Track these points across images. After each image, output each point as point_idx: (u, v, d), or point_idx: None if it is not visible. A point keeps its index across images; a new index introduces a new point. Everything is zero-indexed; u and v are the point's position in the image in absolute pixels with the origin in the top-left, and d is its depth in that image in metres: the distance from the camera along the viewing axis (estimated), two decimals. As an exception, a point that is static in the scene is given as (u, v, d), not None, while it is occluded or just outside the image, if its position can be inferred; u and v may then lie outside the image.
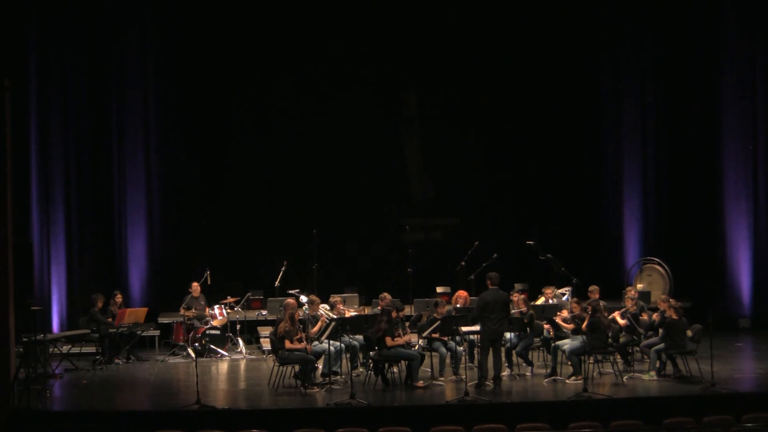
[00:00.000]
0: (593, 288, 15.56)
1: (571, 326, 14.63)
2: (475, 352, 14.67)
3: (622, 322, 15.07)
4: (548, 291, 16.23)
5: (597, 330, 14.19)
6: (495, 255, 17.21)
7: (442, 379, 14.54)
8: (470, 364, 14.61)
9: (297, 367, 14.16)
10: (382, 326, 14.05)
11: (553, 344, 14.77)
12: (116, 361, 16.55)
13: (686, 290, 19.07)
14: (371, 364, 14.48)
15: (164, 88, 19.55)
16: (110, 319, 16.72)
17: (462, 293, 15.83)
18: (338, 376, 14.42)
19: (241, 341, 17.23)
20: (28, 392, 13.01)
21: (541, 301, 16.10)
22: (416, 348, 14.63)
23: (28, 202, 18.19)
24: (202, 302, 17.38)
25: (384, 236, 20.69)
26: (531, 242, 17.63)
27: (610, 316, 14.86)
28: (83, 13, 18.85)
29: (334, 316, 14.94)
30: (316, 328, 14.61)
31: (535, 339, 15.18)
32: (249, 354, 17.01)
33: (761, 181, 19.35)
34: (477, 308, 14.18)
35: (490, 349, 13.99)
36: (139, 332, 16.98)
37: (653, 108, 20.44)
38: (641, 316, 15.26)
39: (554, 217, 20.72)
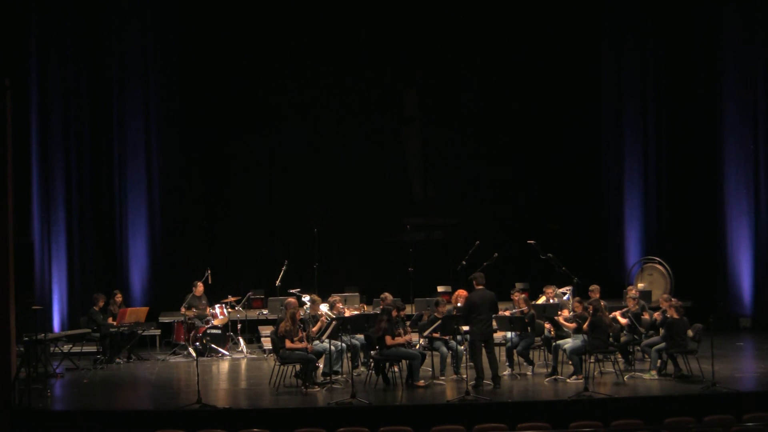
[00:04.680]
0: (594, 287, 15.58)
1: (572, 325, 14.63)
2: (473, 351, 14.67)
3: (623, 321, 15.08)
4: (549, 290, 16.22)
5: (598, 329, 14.19)
6: (496, 254, 17.21)
7: (442, 378, 14.54)
8: (471, 364, 14.58)
9: (298, 367, 14.16)
10: (382, 325, 14.05)
11: (554, 343, 14.77)
12: (117, 360, 16.56)
13: (687, 289, 19.05)
14: (372, 364, 14.48)
15: (165, 87, 19.56)
16: (111, 319, 16.72)
17: (462, 292, 15.79)
18: (339, 376, 14.42)
19: (242, 340, 17.23)
20: (29, 392, 13.02)
21: (542, 300, 16.10)
22: (417, 347, 14.63)
23: (28, 201, 18.21)
24: (203, 301, 17.39)
25: (385, 236, 20.69)
26: (532, 242, 17.62)
27: (611, 315, 14.87)
28: (84, 13, 18.85)
29: (333, 315, 14.96)
30: (315, 328, 14.61)
31: (536, 338, 15.18)
32: (250, 353, 17.01)
33: (762, 181, 19.34)
34: (465, 310, 14.15)
35: (483, 349, 13.99)
36: (140, 331, 16.98)
37: (654, 107, 20.43)
38: (642, 315, 15.26)
39: (555, 217, 20.71)
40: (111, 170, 19.20)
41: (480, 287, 14.10)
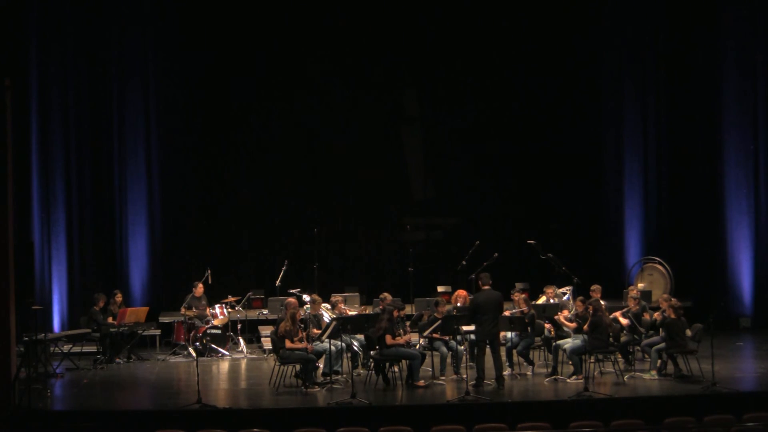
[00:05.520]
0: (595, 287, 15.59)
1: (573, 325, 14.63)
2: (476, 351, 14.67)
3: (624, 321, 15.05)
4: (549, 290, 16.22)
5: (598, 329, 14.18)
6: (496, 254, 17.22)
7: (442, 378, 14.54)
8: (471, 364, 14.59)
9: (298, 367, 14.16)
10: (383, 325, 14.05)
11: (554, 343, 14.78)
12: (117, 360, 16.56)
13: (687, 289, 19.07)
14: (372, 364, 14.48)
15: (165, 88, 19.57)
16: (111, 319, 16.73)
17: (461, 292, 15.82)
18: (339, 376, 14.42)
19: (242, 340, 17.24)
20: (29, 392, 13.00)
21: (542, 300, 16.10)
22: (417, 347, 14.63)
23: (28, 201, 18.23)
24: (203, 302, 17.39)
25: (384, 236, 20.69)
26: (532, 241, 17.63)
27: (611, 316, 14.86)
28: (84, 12, 18.86)
29: (335, 315, 14.96)
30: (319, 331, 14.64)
31: (536, 338, 15.19)
32: (250, 353, 17.02)
33: (762, 181, 19.35)
34: (470, 310, 14.15)
35: (487, 349, 13.97)
36: (140, 331, 16.99)
37: (654, 107, 20.42)
38: (643, 315, 15.26)
39: (555, 217, 20.71)
40: (111, 170, 19.21)
41: (486, 287, 14.09)
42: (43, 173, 18.47)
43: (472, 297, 14.46)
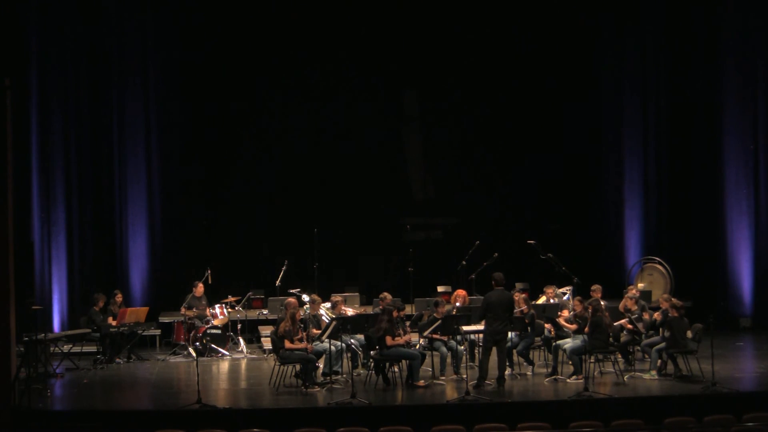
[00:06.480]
0: (595, 287, 15.59)
1: (573, 326, 14.63)
2: (476, 351, 14.68)
3: (630, 327, 14.98)
4: (549, 290, 16.22)
5: (598, 329, 14.18)
6: (496, 254, 17.21)
7: (442, 378, 14.54)
8: (471, 364, 14.62)
9: (298, 367, 14.16)
10: (382, 325, 14.05)
11: (554, 343, 14.77)
12: (117, 360, 16.56)
13: (687, 289, 19.06)
14: (372, 364, 14.48)
15: (165, 88, 19.56)
16: (111, 319, 16.72)
17: (461, 292, 15.83)
18: (339, 376, 14.42)
19: (242, 341, 17.24)
20: (29, 391, 13.01)
21: (542, 300, 16.09)
22: (417, 347, 14.63)
23: (28, 201, 18.22)
24: (203, 302, 17.39)
25: (384, 236, 20.68)
26: (532, 242, 17.62)
27: (617, 324, 14.84)
28: (83, 12, 18.86)
29: (334, 316, 14.97)
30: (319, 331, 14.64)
31: (536, 338, 15.19)
32: (250, 353, 17.02)
33: (762, 181, 19.34)
34: (482, 308, 14.14)
35: (492, 349, 13.98)
36: (140, 331, 16.99)
37: (654, 107, 20.43)
38: (642, 315, 15.26)
39: (555, 217, 20.71)
40: (111, 170, 19.21)
41: (499, 287, 14.09)
42: (43, 173, 18.47)
43: (485, 295, 14.43)
